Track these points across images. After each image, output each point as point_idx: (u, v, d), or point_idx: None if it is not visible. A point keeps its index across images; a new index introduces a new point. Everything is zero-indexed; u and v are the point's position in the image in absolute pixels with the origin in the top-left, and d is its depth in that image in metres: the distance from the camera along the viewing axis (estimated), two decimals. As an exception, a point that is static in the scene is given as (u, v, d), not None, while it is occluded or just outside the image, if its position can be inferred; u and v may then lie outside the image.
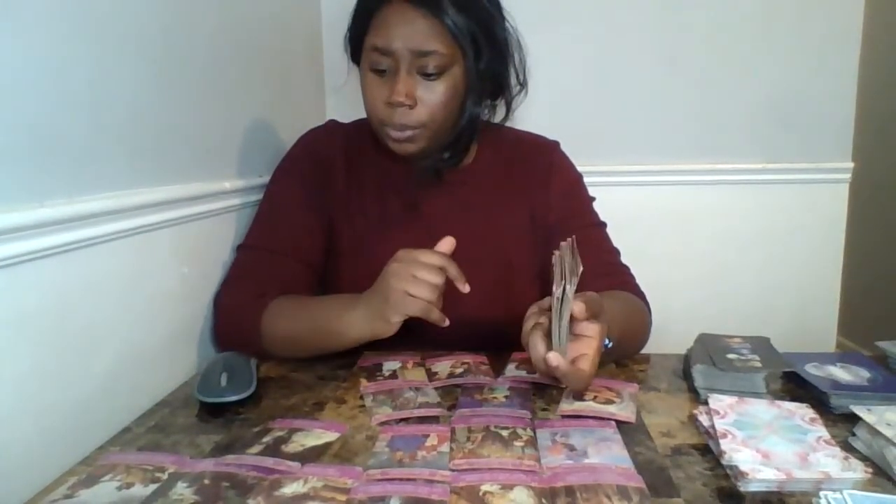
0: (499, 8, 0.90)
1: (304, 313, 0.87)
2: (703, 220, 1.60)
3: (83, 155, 0.68)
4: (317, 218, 0.98)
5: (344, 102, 1.17)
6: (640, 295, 0.97)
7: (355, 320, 0.82)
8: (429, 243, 0.81)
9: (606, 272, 0.96)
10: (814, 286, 1.61)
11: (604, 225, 1.03)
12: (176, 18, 0.86)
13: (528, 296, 0.94)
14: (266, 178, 1.04)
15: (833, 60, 1.53)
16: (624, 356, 0.91)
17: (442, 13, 0.82)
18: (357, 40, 0.90)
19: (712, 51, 1.53)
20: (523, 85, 0.95)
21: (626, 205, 1.49)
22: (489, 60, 0.88)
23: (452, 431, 0.67)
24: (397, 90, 0.84)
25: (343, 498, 0.55)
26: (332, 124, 1.05)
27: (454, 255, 0.80)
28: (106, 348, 0.71)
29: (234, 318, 0.91)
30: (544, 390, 0.79)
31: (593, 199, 1.05)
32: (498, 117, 0.97)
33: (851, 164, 1.57)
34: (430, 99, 0.86)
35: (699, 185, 1.59)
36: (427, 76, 0.85)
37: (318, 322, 0.86)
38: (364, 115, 0.92)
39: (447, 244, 0.80)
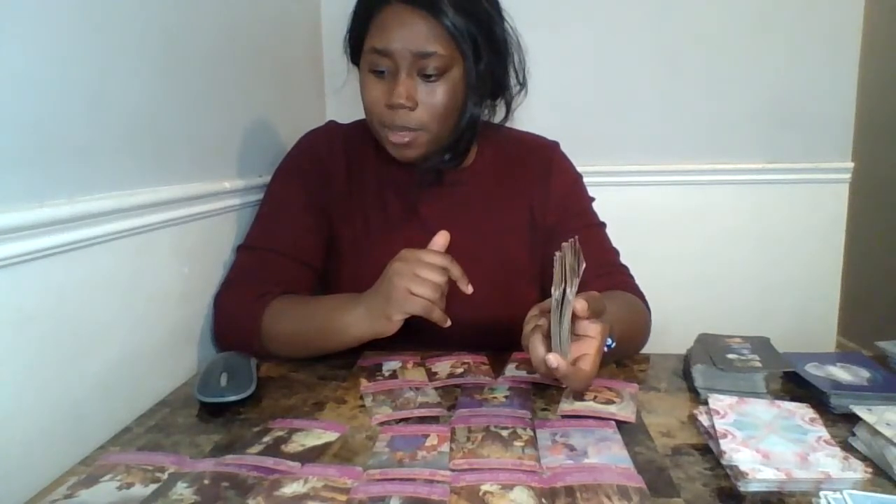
0: (498, 9, 0.90)
1: (305, 312, 0.87)
2: (703, 220, 1.60)
3: (83, 155, 0.68)
4: (317, 218, 0.98)
5: (344, 103, 1.17)
6: (640, 295, 0.97)
7: (356, 319, 0.82)
8: (429, 244, 0.81)
9: (606, 272, 0.96)
10: (814, 286, 1.61)
11: (603, 225, 1.03)
12: (177, 19, 0.86)
13: (528, 296, 0.94)
14: (266, 178, 1.04)
15: (833, 60, 1.53)
16: (624, 356, 0.91)
17: (441, 15, 0.82)
18: (356, 42, 0.90)
19: (712, 51, 1.53)
20: (523, 85, 0.95)
21: (626, 205, 1.50)
22: (489, 61, 0.88)
23: (452, 431, 0.67)
24: (397, 92, 0.84)
25: (343, 498, 0.55)
26: (332, 125, 1.05)
27: (455, 256, 0.80)
28: (106, 348, 0.71)
29: (234, 318, 0.91)
30: (544, 390, 0.79)
31: (593, 199, 1.05)
32: (498, 118, 0.97)
33: (851, 164, 1.57)
34: (429, 101, 0.85)
35: (699, 185, 1.58)
36: (427, 78, 0.85)
37: (319, 321, 0.86)
38: (364, 116, 0.92)
39: (442, 238, 0.80)
